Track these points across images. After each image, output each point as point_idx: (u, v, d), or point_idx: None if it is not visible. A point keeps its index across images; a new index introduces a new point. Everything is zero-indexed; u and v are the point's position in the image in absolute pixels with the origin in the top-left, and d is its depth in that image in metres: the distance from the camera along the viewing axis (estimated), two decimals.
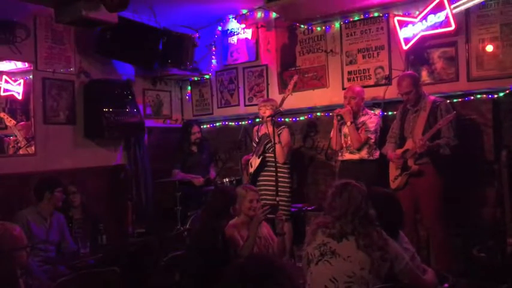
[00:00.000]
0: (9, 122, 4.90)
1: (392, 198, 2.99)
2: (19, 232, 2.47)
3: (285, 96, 4.87)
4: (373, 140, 4.51)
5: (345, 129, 4.59)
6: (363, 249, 2.39)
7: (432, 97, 4.25)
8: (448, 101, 4.50)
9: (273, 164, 4.67)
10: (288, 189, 4.78)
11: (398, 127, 4.35)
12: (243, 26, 5.93)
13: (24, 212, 3.99)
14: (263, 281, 1.48)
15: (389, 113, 4.87)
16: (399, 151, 4.22)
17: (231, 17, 6.00)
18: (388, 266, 2.40)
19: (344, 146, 4.62)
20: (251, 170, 4.89)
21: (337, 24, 5.26)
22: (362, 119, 4.56)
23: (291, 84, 4.87)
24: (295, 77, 4.94)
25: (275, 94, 5.67)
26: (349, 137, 4.55)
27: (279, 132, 4.78)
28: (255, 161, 4.86)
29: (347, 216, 2.46)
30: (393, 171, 4.30)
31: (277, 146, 4.70)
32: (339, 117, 4.57)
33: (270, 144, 4.77)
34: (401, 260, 2.44)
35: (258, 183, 4.77)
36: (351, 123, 4.48)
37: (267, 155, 4.79)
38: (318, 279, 2.46)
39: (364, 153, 4.52)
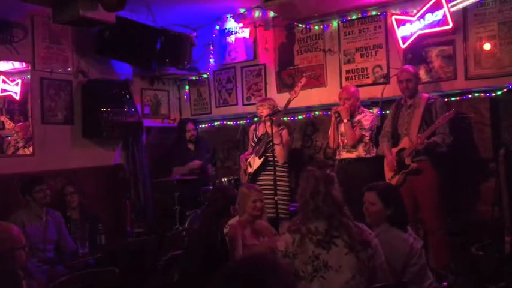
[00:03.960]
0: (9, 125, 4.91)
1: (397, 189, 3.07)
2: (17, 232, 2.47)
3: (291, 97, 4.80)
4: (367, 138, 4.52)
5: (342, 128, 4.60)
6: (349, 249, 2.34)
7: (426, 94, 4.28)
8: (446, 100, 4.53)
9: (273, 164, 4.67)
10: (287, 188, 4.79)
11: (391, 125, 4.37)
12: (241, 25, 5.92)
13: (18, 213, 4.01)
14: (256, 281, 1.48)
15: (387, 111, 4.86)
16: (395, 150, 4.23)
17: (229, 16, 5.99)
18: (372, 264, 2.38)
19: (341, 144, 4.63)
20: (250, 169, 4.88)
21: (335, 23, 5.26)
22: (358, 117, 4.59)
23: (298, 87, 4.79)
24: (303, 80, 4.85)
25: (273, 93, 5.67)
26: (345, 136, 4.57)
27: (279, 132, 4.77)
28: (255, 161, 4.85)
29: (308, 202, 2.43)
30: (389, 170, 4.31)
31: (278, 147, 4.70)
32: (336, 114, 4.58)
33: (270, 144, 4.75)
34: (380, 255, 2.44)
35: (257, 183, 4.75)
36: (348, 120, 4.49)
37: (268, 154, 4.78)
38: None
39: (360, 151, 4.54)
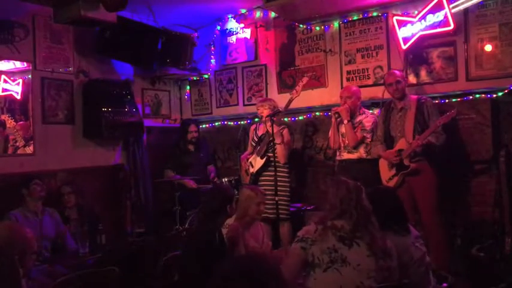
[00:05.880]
0: (10, 123, 4.91)
1: (392, 191, 3.05)
2: (31, 236, 2.47)
3: (292, 97, 4.77)
4: (369, 139, 4.52)
5: (343, 129, 4.60)
6: (371, 252, 2.35)
7: (415, 96, 4.29)
8: (447, 101, 4.54)
9: (274, 164, 4.66)
10: (287, 189, 4.78)
11: (383, 129, 4.37)
12: (242, 25, 5.93)
13: (13, 212, 4.02)
14: (248, 280, 1.48)
15: None
16: (392, 151, 4.22)
17: (230, 16, 5.99)
18: (388, 275, 2.38)
19: (342, 145, 4.63)
20: (252, 170, 4.88)
21: (336, 24, 5.26)
22: (359, 118, 4.58)
23: (300, 86, 4.77)
24: (305, 79, 4.82)
25: (274, 94, 5.67)
26: (346, 137, 4.56)
27: (280, 132, 4.77)
28: (257, 161, 4.84)
29: (336, 207, 2.46)
30: (386, 171, 4.29)
31: (280, 147, 4.69)
32: (336, 115, 4.58)
33: (272, 144, 4.74)
34: (397, 273, 2.43)
35: (259, 183, 4.75)
36: (348, 121, 4.49)
37: (270, 154, 4.77)
38: (323, 287, 2.38)
39: (362, 152, 4.54)
